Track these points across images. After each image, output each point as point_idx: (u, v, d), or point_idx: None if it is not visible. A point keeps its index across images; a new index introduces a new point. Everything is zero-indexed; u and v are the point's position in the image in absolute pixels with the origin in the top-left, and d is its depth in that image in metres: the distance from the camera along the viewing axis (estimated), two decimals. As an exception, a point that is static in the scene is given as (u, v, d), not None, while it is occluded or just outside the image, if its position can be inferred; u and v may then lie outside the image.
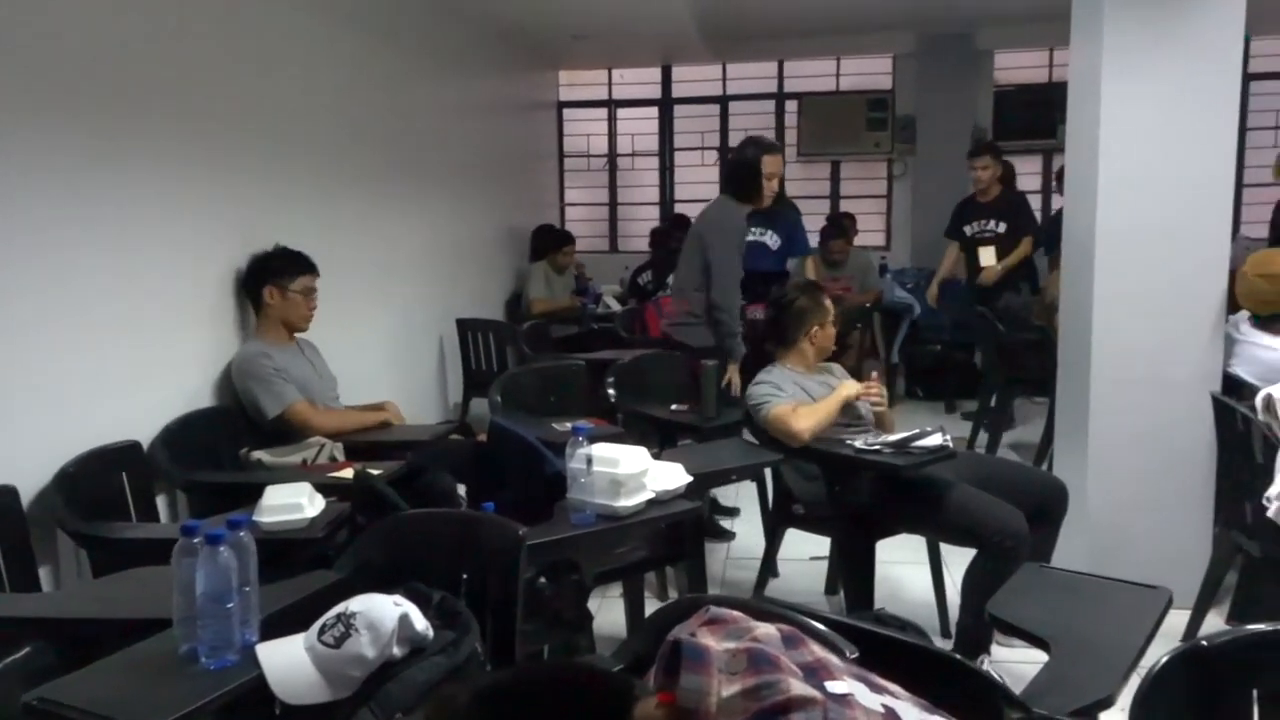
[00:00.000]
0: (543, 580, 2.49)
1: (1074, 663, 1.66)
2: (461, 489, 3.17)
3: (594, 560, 2.45)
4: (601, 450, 2.37)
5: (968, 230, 6.15)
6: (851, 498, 3.14)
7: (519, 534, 1.96)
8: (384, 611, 1.70)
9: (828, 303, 3.37)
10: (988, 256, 6.05)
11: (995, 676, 1.61)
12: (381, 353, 4.81)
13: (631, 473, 2.35)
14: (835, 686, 0.98)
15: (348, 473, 2.72)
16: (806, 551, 3.84)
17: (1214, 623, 3.16)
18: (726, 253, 4.03)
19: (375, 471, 2.69)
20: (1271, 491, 2.78)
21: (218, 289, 3.44)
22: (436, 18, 5.52)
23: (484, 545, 2.00)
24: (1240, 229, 7.54)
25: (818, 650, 1.06)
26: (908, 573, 3.65)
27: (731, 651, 1.00)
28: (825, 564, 3.69)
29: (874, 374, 3.31)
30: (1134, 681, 1.48)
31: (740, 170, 4.10)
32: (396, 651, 1.70)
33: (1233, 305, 3.56)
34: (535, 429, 3.03)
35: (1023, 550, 2.90)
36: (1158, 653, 1.44)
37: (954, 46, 7.60)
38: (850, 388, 3.23)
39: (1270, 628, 1.47)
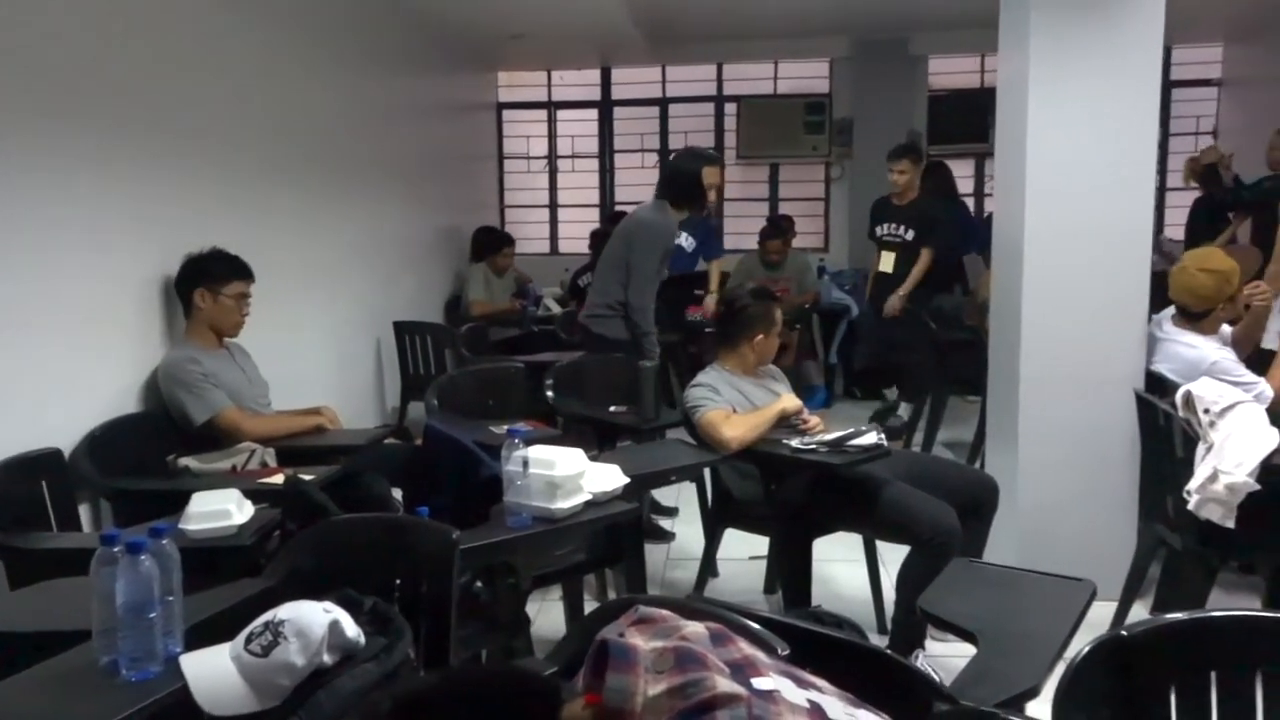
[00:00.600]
0: (479, 584, 2.48)
1: (1001, 655, 1.69)
2: (398, 493, 3.13)
3: (531, 563, 2.43)
4: (538, 452, 2.36)
5: (879, 231, 6.11)
6: (788, 497, 3.17)
7: (452, 538, 1.94)
8: (313, 618, 1.67)
9: (778, 314, 3.39)
10: (886, 262, 5.94)
11: (925, 670, 1.63)
12: (317, 356, 4.74)
13: (568, 474, 2.34)
14: (761, 683, 0.99)
15: (278, 478, 2.67)
16: (746, 551, 3.86)
17: (1139, 613, 3.25)
18: (649, 255, 4.11)
19: (307, 477, 2.65)
20: (1191, 485, 2.87)
21: (143, 292, 3.35)
22: (371, 17, 5.45)
23: (417, 550, 1.98)
24: (1164, 231, 7.77)
25: (746, 648, 1.07)
26: (844, 570, 3.69)
27: (659, 650, 1.00)
28: (764, 563, 3.72)
29: (812, 419, 3.30)
30: (1060, 671, 1.51)
31: (681, 179, 4.18)
32: (327, 659, 1.67)
33: (1156, 305, 3.67)
34: (472, 432, 3.00)
35: (954, 546, 2.96)
36: (1083, 643, 1.48)
37: (889, 52, 7.72)
38: (788, 403, 3.24)
39: (1186, 617, 1.51)
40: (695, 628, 1.08)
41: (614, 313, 4.21)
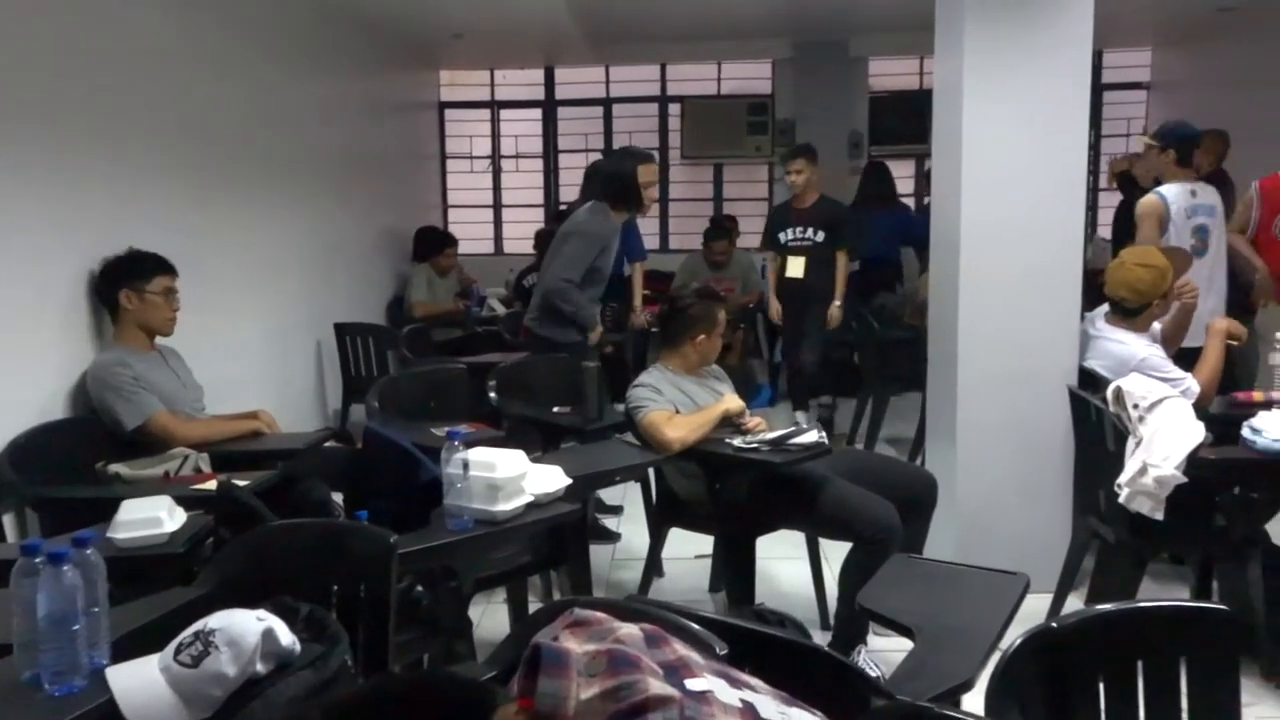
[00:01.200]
0: (419, 588, 2.45)
1: (936, 649, 1.71)
2: (339, 497, 3.08)
3: (473, 566, 2.41)
4: (478, 455, 2.34)
5: (783, 237, 5.79)
6: (731, 495, 3.18)
7: (390, 542, 1.92)
8: (246, 627, 1.63)
9: (721, 315, 3.39)
10: (795, 267, 5.73)
11: (860, 666, 1.65)
12: (254, 359, 4.65)
13: (509, 476, 2.33)
14: (694, 684, 0.99)
15: (212, 484, 2.62)
16: (691, 550, 3.87)
17: (1075, 604, 3.32)
18: (581, 250, 4.11)
19: (242, 482, 2.59)
20: (1122, 479, 2.94)
21: (69, 295, 3.25)
22: (308, 15, 5.36)
23: (354, 555, 1.95)
24: (1097, 230, 7.97)
25: (680, 649, 1.07)
26: (788, 567, 3.72)
27: (592, 653, 0.99)
28: (710, 562, 3.73)
29: (753, 419, 3.31)
30: (994, 663, 1.53)
31: (619, 181, 4.17)
32: (260, 668, 1.63)
33: (1091, 303, 3.75)
34: (414, 434, 2.97)
35: (895, 542, 3.00)
36: (1016, 636, 1.51)
37: (829, 54, 7.80)
38: (730, 404, 3.25)
39: (1113, 608, 1.54)
40: (630, 630, 1.07)
41: (556, 314, 4.20)
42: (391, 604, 1.87)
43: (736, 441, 3.08)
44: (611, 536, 4.29)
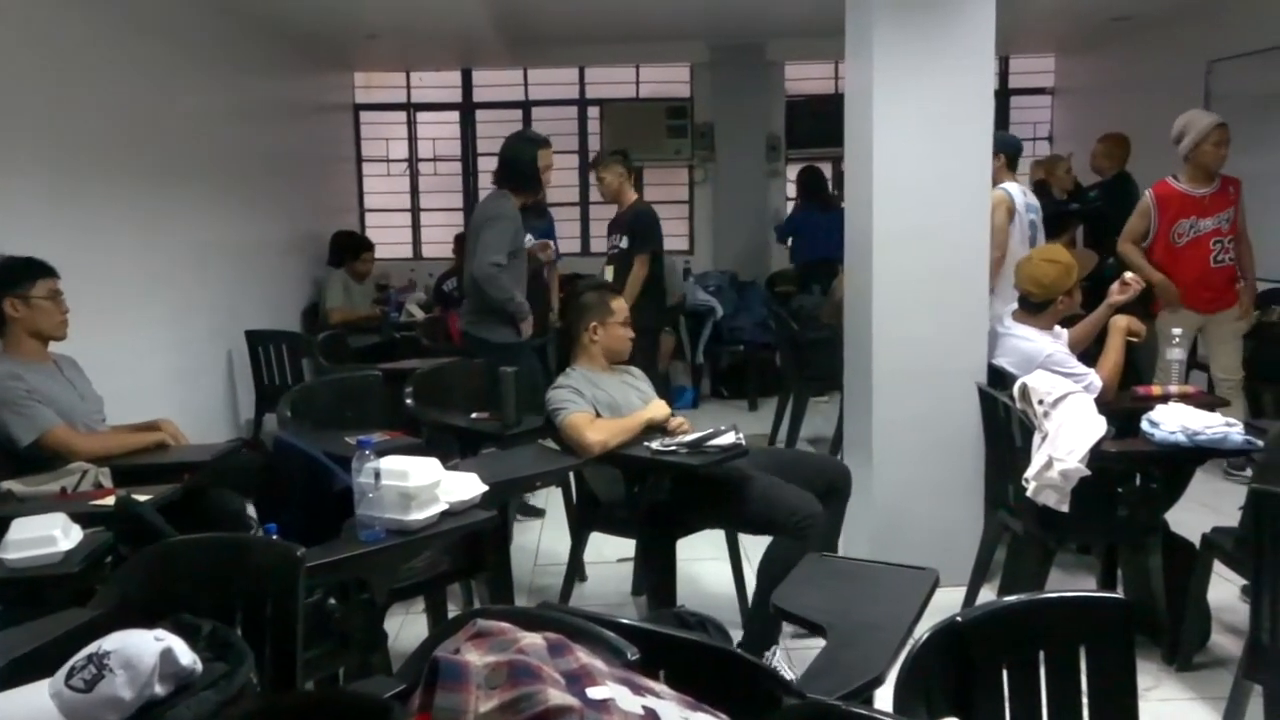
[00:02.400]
0: (332, 601, 2.40)
1: (847, 646, 1.73)
2: (253, 509, 3.00)
3: (387, 577, 2.36)
4: (390, 463, 2.30)
5: (605, 246, 5.57)
6: (652, 498, 3.18)
7: (296, 555, 1.87)
8: (142, 648, 1.57)
9: (616, 303, 3.38)
10: (608, 274, 5.45)
11: (773, 666, 1.66)
12: (159, 368, 4.50)
13: (422, 485, 2.29)
14: (596, 692, 0.98)
15: (112, 500, 2.52)
16: (615, 553, 3.86)
17: (988, 597, 3.40)
18: (499, 234, 4.15)
19: (143, 497, 2.50)
20: (1029, 473, 3.02)
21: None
22: (213, 12, 5.22)
23: (258, 570, 1.90)
24: (1006, 231, 8.19)
25: (583, 657, 1.06)
26: (709, 568, 3.74)
27: (492, 665, 0.98)
28: (632, 565, 3.73)
29: (679, 420, 3.32)
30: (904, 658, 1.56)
31: (519, 166, 4.23)
32: (159, 690, 1.57)
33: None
34: (328, 444, 2.91)
35: (818, 528, 3.02)
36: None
37: (746, 58, 7.88)
38: (655, 412, 3.24)
39: (1015, 600, 1.58)
40: (533, 639, 1.06)
41: (492, 315, 4.21)
42: (299, 619, 1.83)
43: (655, 444, 3.08)
44: (537, 512, 4.29)
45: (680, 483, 3.14)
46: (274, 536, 2.19)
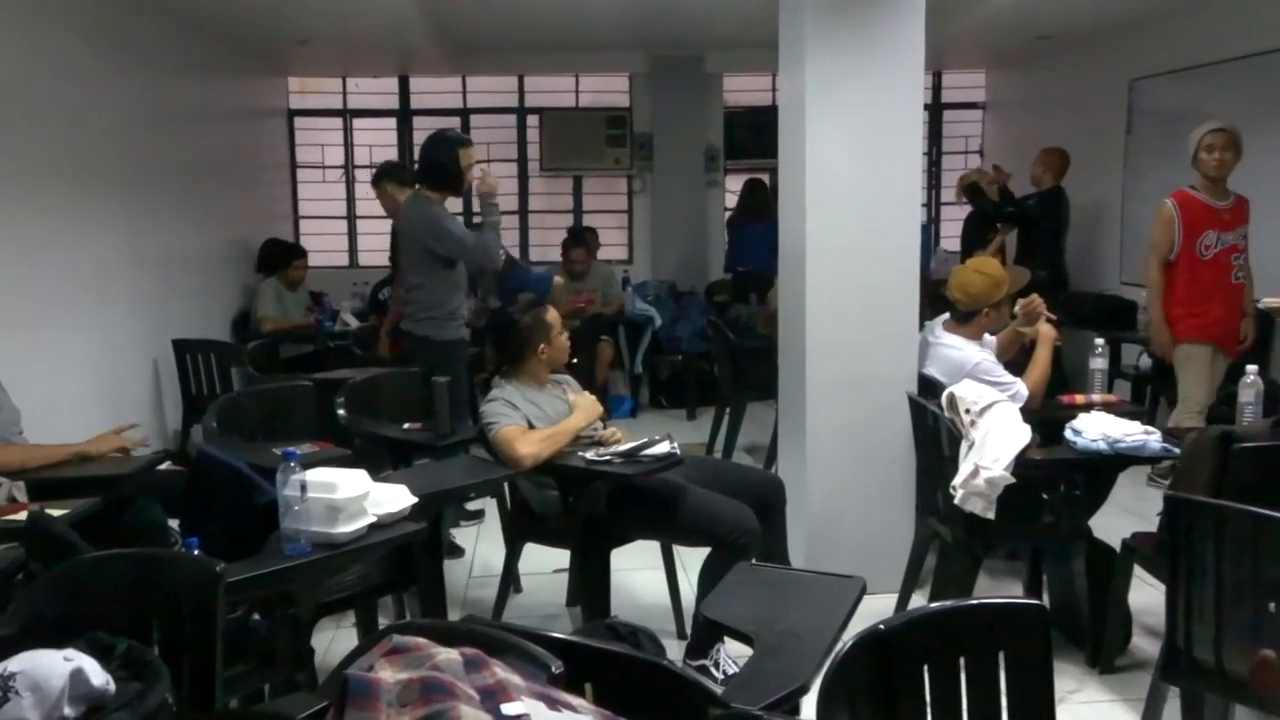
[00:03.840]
0: (255, 617, 2.35)
1: (773, 655, 1.74)
2: (175, 523, 2.92)
3: (313, 592, 2.32)
4: (316, 475, 2.26)
5: None
6: (587, 508, 3.17)
7: (215, 571, 1.82)
8: (51, 669, 1.52)
9: (550, 317, 3.39)
10: None
11: (715, 659, 1.66)
12: (80, 378, 4.37)
13: (350, 497, 2.26)
14: (511, 708, 0.97)
15: (24, 515, 2.43)
16: (550, 564, 3.84)
17: (920, 604, 3.45)
18: (449, 226, 4.18)
19: (58, 512, 2.42)
20: (956, 481, 3.07)
21: None
22: (137, 14, 5.09)
23: (175, 586, 1.85)
24: (940, 243, 8.36)
25: (500, 672, 1.05)
26: (644, 578, 3.73)
27: (404, 682, 0.96)
28: (568, 575, 3.72)
29: (611, 431, 3.31)
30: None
31: (438, 164, 4.23)
32: (69, 712, 1.53)
33: (932, 312, 3.92)
34: (255, 455, 2.85)
35: (754, 543, 3.05)
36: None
37: (685, 69, 7.93)
38: (582, 420, 3.23)
39: (936, 608, 1.60)
40: (449, 655, 1.05)
41: (429, 313, 4.20)
42: (218, 636, 1.78)
43: (589, 454, 3.07)
44: (456, 551, 4.25)
45: (615, 493, 3.14)
46: (195, 551, 2.14)
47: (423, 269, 4.21)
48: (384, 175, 5.12)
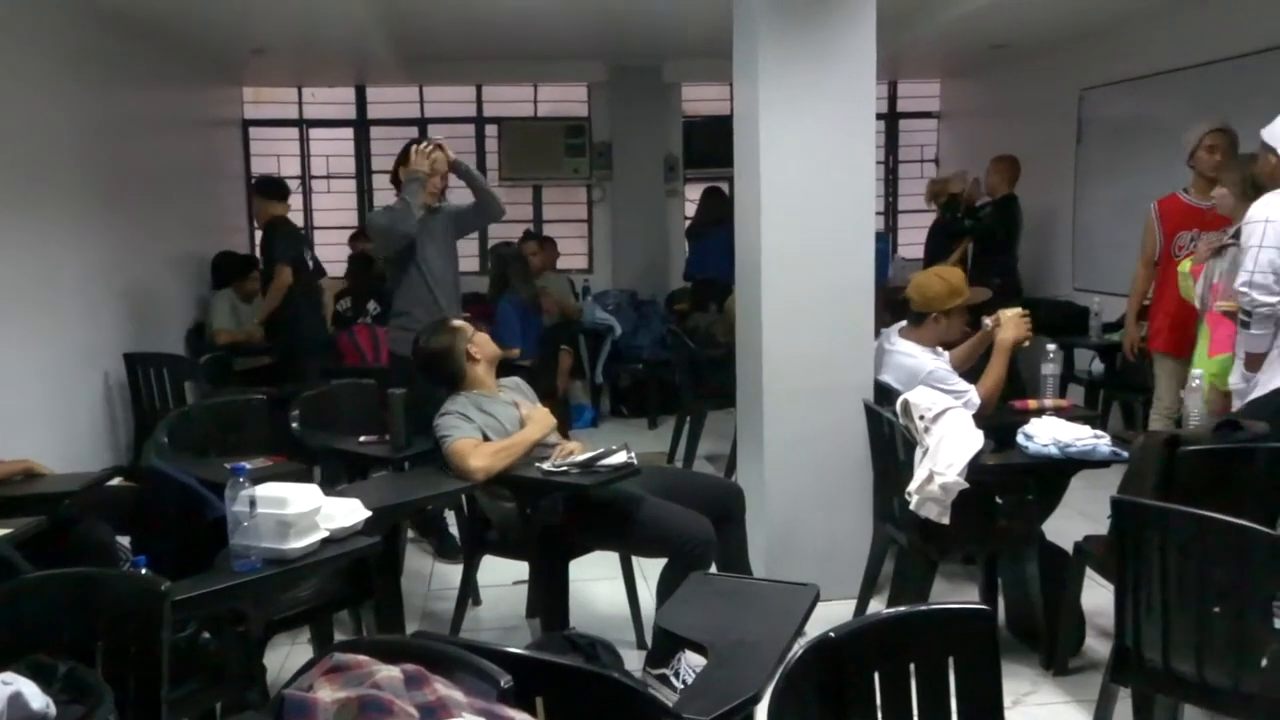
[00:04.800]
0: (205, 635, 2.31)
1: (726, 665, 1.74)
2: (125, 540, 2.87)
3: (263, 609, 2.29)
4: (266, 490, 2.23)
5: None
6: (544, 519, 3.16)
7: (159, 589, 1.79)
8: (-13, 694, 1.49)
9: (458, 324, 3.42)
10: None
11: (676, 669, 1.65)
12: (26, 394, 4.27)
13: (301, 512, 2.23)
14: (450, 725, 0.96)
15: (-35, 535, 2.38)
16: (510, 576, 3.82)
17: (878, 608, 3.47)
18: (378, 225, 4.18)
19: (1, 531, 2.37)
20: (911, 486, 3.10)
21: None
22: (86, 22, 5.01)
23: (119, 605, 1.81)
24: (898, 250, 8.44)
25: (441, 689, 1.04)
26: (603, 589, 3.73)
27: (342, 701, 0.95)
28: (527, 587, 3.70)
29: (571, 446, 3.29)
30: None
31: (395, 173, 4.27)
32: (7, 737, 1.50)
33: (891, 319, 3.95)
34: (207, 471, 2.81)
35: (710, 554, 3.06)
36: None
37: (643, 78, 7.95)
38: (537, 432, 3.22)
39: (886, 614, 1.62)
40: (389, 672, 1.04)
41: (398, 324, 4.19)
42: (163, 656, 1.75)
43: (546, 465, 3.06)
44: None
45: (572, 504, 3.13)
46: (143, 569, 2.11)
47: (393, 276, 4.27)
48: (254, 190, 5.54)
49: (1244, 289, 3.22)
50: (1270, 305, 3.18)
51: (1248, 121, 3.77)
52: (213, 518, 2.38)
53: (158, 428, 3.45)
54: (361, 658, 1.06)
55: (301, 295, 5.46)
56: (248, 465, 2.34)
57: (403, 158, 4.25)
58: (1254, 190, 3.58)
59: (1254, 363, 3.30)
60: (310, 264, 5.71)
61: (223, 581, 2.11)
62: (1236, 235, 3.54)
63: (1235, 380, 3.40)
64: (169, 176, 6.15)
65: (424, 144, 4.24)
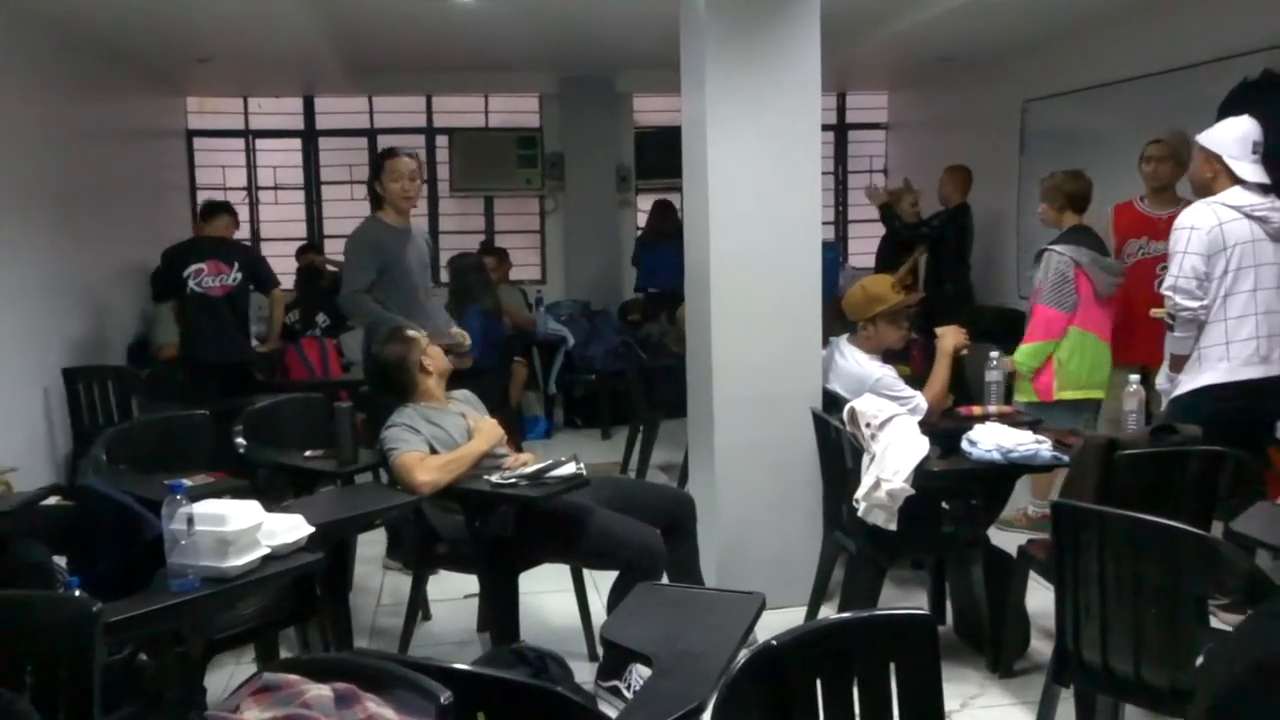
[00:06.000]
0: (142, 657, 2.26)
1: (670, 675, 1.74)
2: (63, 561, 2.80)
3: (202, 628, 2.25)
4: (205, 507, 2.19)
5: None
6: (494, 532, 3.14)
7: (92, 611, 1.75)
8: (-93, 723, 1.45)
9: (413, 333, 3.40)
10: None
11: (628, 682, 1.63)
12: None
13: (240, 529, 2.19)
14: (379, 744, 0.95)
15: (-110, 559, 2.31)
16: (462, 589, 3.79)
17: (829, 614, 3.49)
18: (353, 261, 4.09)
19: (-73, 554, 2.30)
20: (859, 493, 3.13)
21: None
22: (20, 29, 4.90)
23: (49, 628, 1.77)
24: (849, 260, 8.53)
25: (372, 707, 1.03)
26: (554, 601, 3.71)
27: (268, 722, 0.94)
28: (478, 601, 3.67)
29: (524, 457, 3.29)
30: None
31: (373, 180, 4.15)
32: (-72, 768, 1.45)
33: (842, 328, 3.99)
34: (148, 489, 2.74)
35: (660, 566, 3.06)
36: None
37: (594, 89, 7.96)
38: (484, 444, 3.20)
39: (827, 621, 1.62)
40: (319, 691, 1.02)
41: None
42: (95, 680, 1.71)
43: (494, 478, 3.04)
44: None
45: (522, 516, 3.11)
46: (76, 591, 2.05)
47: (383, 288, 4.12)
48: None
49: (1168, 293, 3.32)
50: (1192, 310, 3.29)
51: (1184, 131, 3.88)
52: (151, 536, 2.32)
53: (95, 444, 3.37)
54: (292, 677, 1.05)
55: (191, 317, 5.31)
56: (187, 482, 2.29)
57: (375, 170, 4.15)
58: (1068, 202, 4.26)
59: (1178, 364, 3.41)
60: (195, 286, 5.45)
61: (159, 602, 2.06)
62: (1040, 256, 4.18)
63: (1161, 381, 3.53)
64: (111, 188, 6.03)
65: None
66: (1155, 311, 3.69)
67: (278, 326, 5.84)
